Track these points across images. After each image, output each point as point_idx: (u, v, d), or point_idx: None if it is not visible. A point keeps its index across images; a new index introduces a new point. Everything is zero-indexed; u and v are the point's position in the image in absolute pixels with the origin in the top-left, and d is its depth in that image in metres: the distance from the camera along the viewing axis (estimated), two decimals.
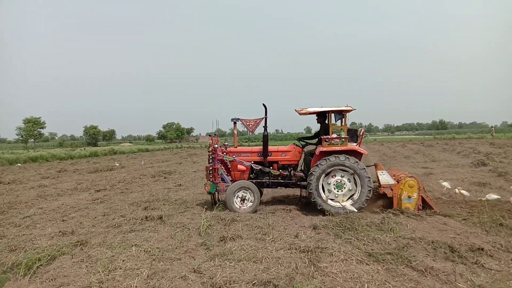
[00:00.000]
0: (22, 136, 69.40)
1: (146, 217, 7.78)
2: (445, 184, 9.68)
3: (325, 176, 8.13)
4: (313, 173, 8.03)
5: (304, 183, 8.61)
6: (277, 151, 9.02)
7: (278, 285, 4.25)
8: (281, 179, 8.95)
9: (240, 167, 8.95)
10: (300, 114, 8.71)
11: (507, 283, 4.26)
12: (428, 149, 28.07)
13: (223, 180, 8.83)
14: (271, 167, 8.96)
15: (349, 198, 8.10)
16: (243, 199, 8.37)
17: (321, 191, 8.08)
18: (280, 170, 8.94)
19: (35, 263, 5.22)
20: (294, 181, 8.88)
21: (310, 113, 8.88)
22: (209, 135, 9.38)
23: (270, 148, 9.03)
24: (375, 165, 8.93)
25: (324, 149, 8.19)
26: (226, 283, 4.41)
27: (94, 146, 76.95)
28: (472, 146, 27.92)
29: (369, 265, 4.91)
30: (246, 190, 8.40)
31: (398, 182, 8.09)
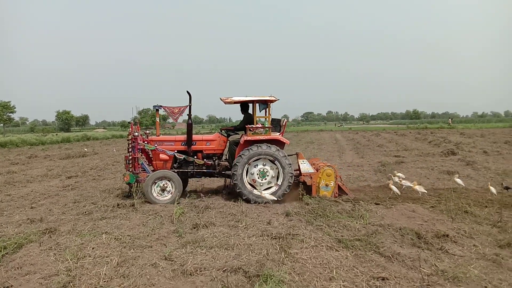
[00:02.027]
0: None
1: (118, 205, 7.67)
2: (397, 178, 9.34)
3: (248, 166, 8.21)
4: (237, 163, 8.10)
5: (228, 172, 8.59)
6: (202, 140, 8.90)
7: (248, 271, 4.28)
8: (205, 169, 8.82)
9: (162, 156, 8.64)
10: (225, 103, 8.68)
11: (468, 267, 4.42)
12: (401, 138, 28.70)
13: (144, 170, 8.55)
14: (195, 157, 8.80)
15: (272, 186, 8.25)
16: (163, 189, 8.13)
17: (245, 180, 8.17)
18: (205, 160, 8.77)
19: (0, 251, 5.08)
20: (219, 170, 8.82)
21: (235, 102, 8.83)
22: (128, 122, 8.95)
23: (195, 137, 8.87)
24: (297, 154, 9.13)
25: (249, 138, 8.25)
26: (197, 270, 4.42)
27: (66, 131, 74.86)
28: (443, 135, 28.68)
29: (338, 251, 5.01)
30: (166, 180, 8.15)
31: (317, 170, 8.37)
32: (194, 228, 6.13)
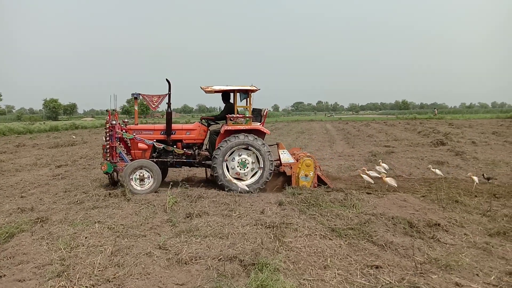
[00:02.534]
0: None
1: (110, 194, 7.61)
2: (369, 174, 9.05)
3: (229, 156, 8.24)
4: (217, 153, 8.10)
5: (209, 162, 8.54)
6: (182, 130, 8.79)
7: (243, 260, 4.30)
8: (185, 159, 8.71)
9: (141, 145, 8.49)
10: (206, 92, 8.65)
11: (460, 255, 4.51)
12: (391, 129, 28.93)
13: (122, 159, 8.41)
14: (174, 146, 8.68)
15: (253, 175, 8.33)
16: (141, 179, 8.00)
17: (225, 170, 8.21)
18: (184, 149, 8.67)
19: None
20: (199, 160, 8.72)
21: (216, 91, 8.81)
22: (106, 110, 8.94)
23: (174, 126, 8.74)
24: (277, 144, 9.14)
25: (229, 128, 8.27)
26: (192, 259, 4.42)
27: (54, 120, 73.78)
28: (432, 126, 28.97)
29: (332, 240, 5.06)
30: (145, 170, 8.01)
31: (297, 161, 8.43)
32: (188, 217, 6.12)
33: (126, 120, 8.92)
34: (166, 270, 4.21)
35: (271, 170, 8.22)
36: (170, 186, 7.77)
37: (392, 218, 5.76)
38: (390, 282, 3.83)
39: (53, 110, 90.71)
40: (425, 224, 5.57)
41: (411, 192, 7.99)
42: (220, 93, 9.03)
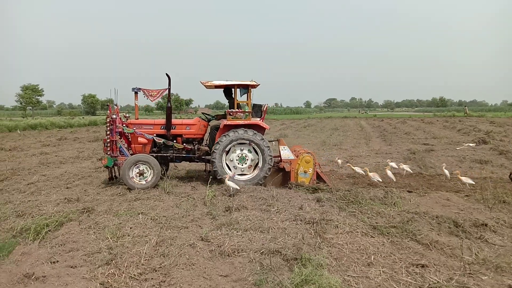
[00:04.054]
0: (21, 103, 68.82)
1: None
2: (339, 161, 9.72)
3: (228, 151, 8.21)
4: (216, 148, 8.08)
5: (208, 157, 8.52)
6: (182, 124, 8.80)
7: (286, 254, 4.31)
8: (185, 153, 8.72)
9: (141, 140, 8.52)
10: (206, 87, 8.61)
11: (511, 257, 4.33)
12: (428, 126, 28.10)
13: (122, 153, 8.42)
14: (174, 141, 8.67)
15: (253, 170, 8.33)
16: (141, 174, 7.98)
17: (225, 166, 8.19)
18: (184, 144, 8.66)
19: (43, 228, 5.26)
20: (198, 155, 8.72)
21: (216, 86, 8.77)
22: (107, 104, 8.96)
23: (174, 121, 8.77)
24: (278, 141, 9.02)
25: (228, 123, 8.22)
26: (235, 251, 4.47)
27: (92, 115, 76.38)
28: (472, 124, 27.92)
29: (374, 237, 4.98)
30: (144, 164, 7.98)
31: (297, 157, 8.32)
32: (227, 211, 6.20)
33: (127, 114, 9.04)
34: (209, 262, 4.28)
35: (270, 165, 8.20)
36: (210, 179, 7.88)
37: (436, 217, 5.60)
38: (438, 282, 3.72)
39: (91, 105, 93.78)
40: (471, 224, 5.38)
41: (453, 191, 7.74)
42: (222, 89, 9.08)
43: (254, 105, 8.90)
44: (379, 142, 18.36)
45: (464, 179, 8.05)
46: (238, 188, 7.33)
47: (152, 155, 8.36)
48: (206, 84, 8.56)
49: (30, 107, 71.16)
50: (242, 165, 8.29)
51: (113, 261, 4.16)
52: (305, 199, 6.95)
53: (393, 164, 9.50)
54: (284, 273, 3.96)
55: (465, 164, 11.15)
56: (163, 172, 8.67)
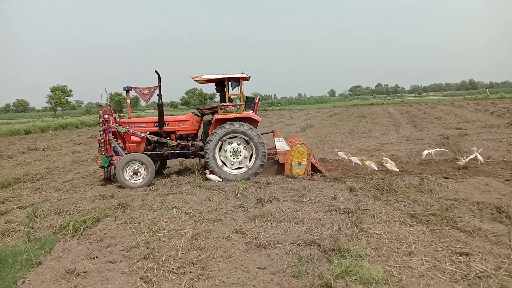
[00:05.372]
0: (51, 104, 70.96)
1: (180, 182, 7.90)
2: (341, 154, 9.27)
3: (221, 144, 8.12)
4: (209, 142, 7.99)
5: (202, 152, 8.44)
6: (174, 121, 8.76)
7: (322, 245, 4.24)
8: (179, 150, 8.69)
9: (134, 138, 8.52)
10: (199, 82, 8.51)
11: None
12: (459, 110, 27.22)
13: (117, 153, 8.41)
14: (168, 138, 8.65)
15: (248, 162, 8.24)
16: (135, 173, 8.01)
17: (218, 160, 8.10)
18: (178, 140, 8.63)
19: (81, 225, 5.38)
20: (193, 151, 8.66)
21: (206, 81, 8.67)
22: (99, 105, 9.01)
23: (167, 118, 8.73)
24: (273, 132, 8.83)
25: (220, 116, 8.14)
26: (270, 243, 4.44)
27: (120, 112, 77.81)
28: (506, 106, 26.87)
29: (412, 226, 4.83)
30: (138, 163, 8.01)
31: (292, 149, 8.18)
32: (259, 203, 6.16)
33: (121, 114, 9.08)
34: (246, 254, 4.26)
35: (264, 161, 8.13)
36: None
37: (477, 203, 5.39)
38: (485, 271, 3.57)
39: (118, 103, 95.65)
40: None
41: (492, 176, 7.44)
42: (214, 83, 9.02)
43: (247, 98, 8.86)
44: (409, 128, 17.91)
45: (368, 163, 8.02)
46: (221, 180, 7.61)
47: (146, 153, 8.42)
48: (197, 79, 8.55)
49: (60, 108, 73.23)
50: (234, 158, 8.25)
51: (151, 256, 4.19)
52: (337, 189, 6.83)
53: (342, 154, 9.24)
54: (322, 264, 3.90)
55: (502, 147, 10.72)
56: (160, 170, 8.89)
